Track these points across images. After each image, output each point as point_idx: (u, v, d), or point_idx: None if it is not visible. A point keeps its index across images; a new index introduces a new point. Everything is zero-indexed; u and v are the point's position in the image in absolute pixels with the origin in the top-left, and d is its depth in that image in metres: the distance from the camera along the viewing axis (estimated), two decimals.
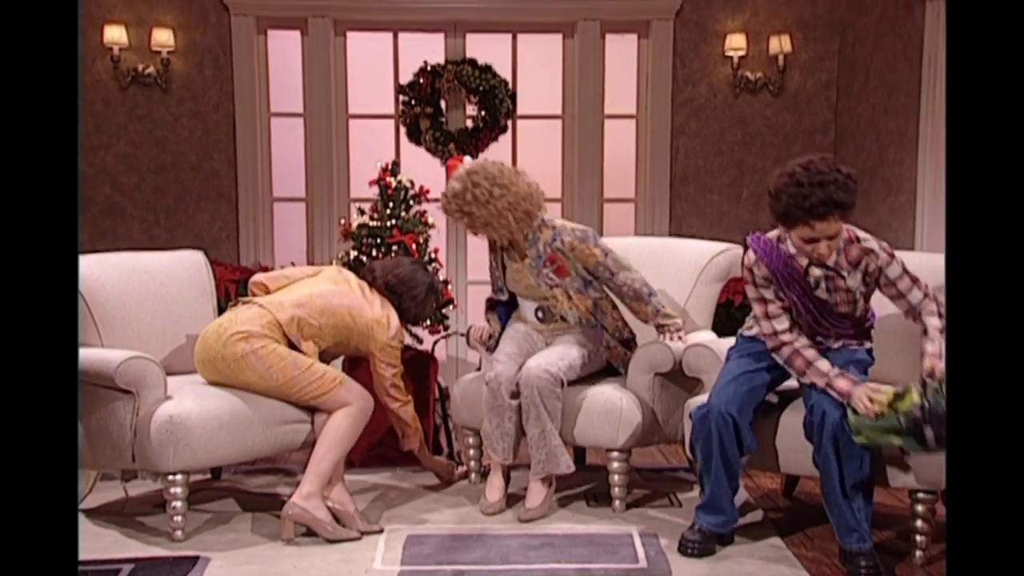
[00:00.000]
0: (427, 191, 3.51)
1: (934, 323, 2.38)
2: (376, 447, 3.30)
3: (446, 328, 3.50)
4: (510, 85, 4.88)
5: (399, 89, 4.87)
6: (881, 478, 2.38)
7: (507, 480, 2.86)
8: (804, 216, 2.24)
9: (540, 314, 2.87)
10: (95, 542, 2.55)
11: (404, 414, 2.87)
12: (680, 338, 2.82)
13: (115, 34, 4.57)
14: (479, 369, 3.10)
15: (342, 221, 3.58)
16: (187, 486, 2.54)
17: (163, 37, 4.61)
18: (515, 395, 2.75)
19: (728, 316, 3.88)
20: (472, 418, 2.99)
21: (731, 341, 2.68)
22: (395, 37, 4.93)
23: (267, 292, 2.84)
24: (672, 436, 2.89)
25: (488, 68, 4.83)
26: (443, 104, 4.87)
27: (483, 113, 4.83)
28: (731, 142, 4.90)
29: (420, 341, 3.48)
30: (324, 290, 2.75)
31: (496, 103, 4.80)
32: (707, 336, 2.95)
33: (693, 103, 4.86)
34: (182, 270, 3.07)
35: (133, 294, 2.87)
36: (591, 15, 4.84)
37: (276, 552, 2.49)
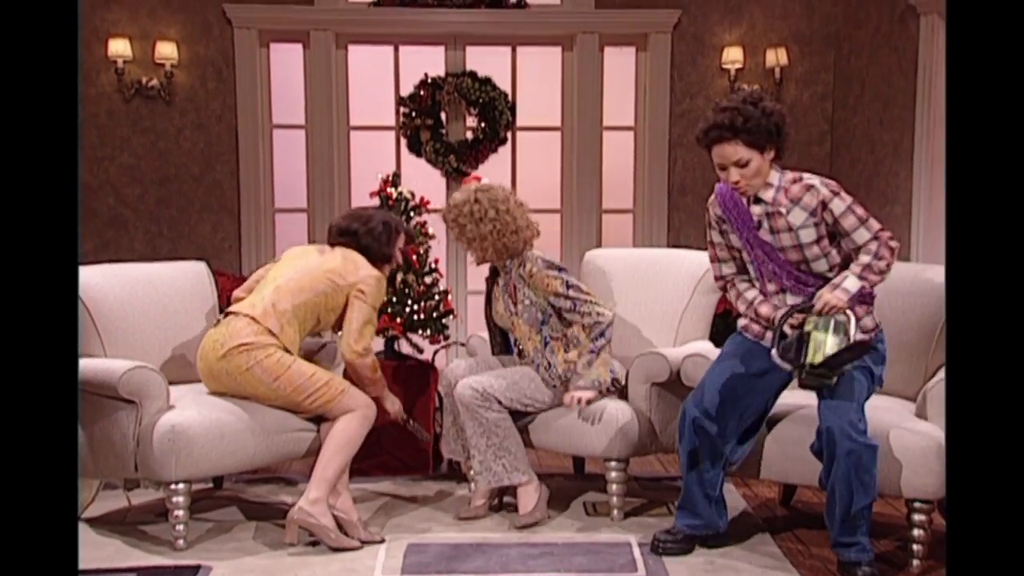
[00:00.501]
0: (427, 202, 3.54)
1: (860, 260, 2.29)
2: (377, 456, 3.33)
3: (446, 338, 3.52)
4: (510, 97, 4.92)
5: (400, 101, 4.92)
6: (878, 488, 2.40)
7: (502, 488, 2.88)
8: (703, 139, 2.34)
9: (519, 347, 2.92)
10: (98, 551, 2.57)
11: (362, 367, 2.74)
12: (579, 401, 2.73)
13: (119, 47, 4.62)
14: None
15: None
16: (189, 495, 2.56)
17: (167, 50, 4.66)
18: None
19: (726, 326, 3.89)
20: None
21: None
22: (396, 50, 4.98)
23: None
24: (669, 445, 2.91)
25: (488, 80, 4.88)
26: (443, 116, 4.92)
27: (483, 125, 4.88)
28: None
29: (420, 351, 3.51)
30: (289, 273, 2.74)
31: (496, 115, 4.85)
32: (704, 346, 2.98)
33: (691, 115, 4.90)
34: (184, 281, 3.10)
35: (136, 304, 2.90)
36: (590, 28, 4.90)
37: (278, 561, 2.51)
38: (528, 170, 5.02)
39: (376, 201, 3.51)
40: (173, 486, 2.53)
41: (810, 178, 2.36)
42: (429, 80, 4.87)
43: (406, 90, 4.91)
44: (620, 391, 2.89)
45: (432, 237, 3.49)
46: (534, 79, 5.05)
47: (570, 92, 4.99)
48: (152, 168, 4.80)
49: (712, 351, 2.84)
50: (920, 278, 2.72)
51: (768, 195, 2.35)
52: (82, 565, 2.39)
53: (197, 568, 2.45)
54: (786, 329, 2.32)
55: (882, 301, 2.72)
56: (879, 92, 4.55)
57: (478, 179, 3.04)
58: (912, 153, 4.27)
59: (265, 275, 2.84)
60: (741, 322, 2.54)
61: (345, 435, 2.62)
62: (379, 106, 5.00)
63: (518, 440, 2.80)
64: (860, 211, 2.34)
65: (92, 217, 4.78)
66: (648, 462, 3.46)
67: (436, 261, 3.50)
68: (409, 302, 3.39)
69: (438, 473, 3.39)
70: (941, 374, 2.49)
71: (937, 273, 2.71)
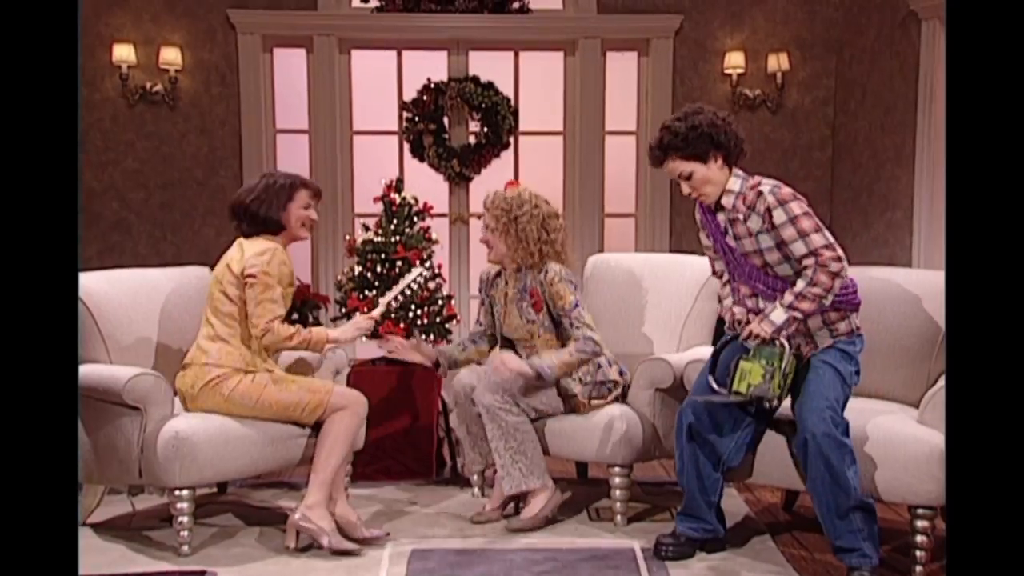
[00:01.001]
0: (431, 207, 3.55)
1: (795, 287, 2.30)
2: (381, 461, 3.33)
3: (449, 343, 3.53)
4: (512, 102, 4.94)
5: (403, 106, 4.94)
6: (880, 493, 2.41)
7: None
8: (650, 162, 2.48)
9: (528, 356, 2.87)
10: (102, 556, 2.58)
11: (277, 343, 2.63)
12: (504, 363, 2.72)
13: (124, 53, 4.64)
14: None
15: (347, 237, 3.63)
16: (193, 501, 2.57)
17: (171, 55, 4.68)
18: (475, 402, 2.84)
19: None
20: None
21: None
22: (399, 55, 5.00)
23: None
24: (673, 450, 2.91)
25: (491, 85, 4.90)
26: (446, 121, 4.94)
27: (486, 130, 4.89)
28: None
29: None
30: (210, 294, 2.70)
31: (498, 120, 4.87)
32: (707, 352, 2.98)
33: None
34: (188, 286, 3.11)
35: (140, 310, 2.91)
36: (592, 33, 4.92)
37: (282, 567, 2.52)
38: (530, 174, 5.03)
39: (380, 207, 3.53)
40: (177, 492, 2.53)
41: (763, 184, 2.39)
42: (432, 85, 4.89)
43: (409, 95, 4.93)
44: (623, 393, 2.90)
45: (436, 242, 3.50)
46: (536, 84, 5.07)
47: (572, 97, 5.00)
48: (156, 173, 4.82)
49: None
50: (922, 283, 2.73)
51: (728, 201, 2.42)
52: (87, 571, 2.41)
53: (202, 574, 2.46)
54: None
55: (884, 306, 2.73)
56: (881, 97, 4.56)
57: (515, 185, 3.03)
58: (913, 158, 4.28)
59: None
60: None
61: (335, 435, 2.62)
62: (382, 111, 5.02)
63: (536, 444, 2.81)
64: (805, 224, 2.30)
65: (96, 221, 4.80)
66: (651, 467, 3.46)
67: (440, 266, 3.51)
68: (412, 307, 3.40)
69: (441, 478, 3.39)
70: (943, 380, 2.50)
71: (939, 278, 2.72)
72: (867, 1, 4.66)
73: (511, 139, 4.97)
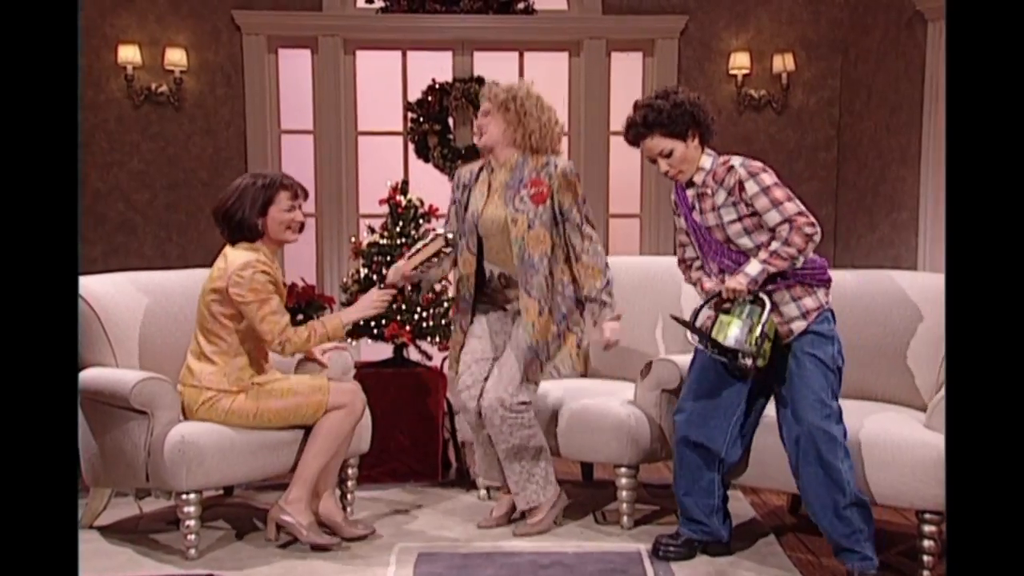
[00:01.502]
0: (436, 209, 3.55)
1: (770, 246, 2.35)
2: (387, 463, 3.34)
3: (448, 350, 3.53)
4: None
5: (408, 106, 4.94)
6: (887, 498, 2.41)
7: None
8: (627, 138, 2.49)
9: (502, 281, 2.74)
10: (109, 560, 2.59)
11: (295, 350, 2.59)
12: (609, 329, 2.68)
13: (129, 54, 4.65)
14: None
15: (352, 239, 3.63)
16: (200, 504, 2.58)
17: (176, 56, 4.68)
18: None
19: None
20: None
21: None
22: (404, 55, 5.00)
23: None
24: None
25: None
26: (451, 121, 4.93)
27: None
28: None
29: (430, 358, 3.52)
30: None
31: None
32: None
33: None
34: (195, 289, 3.09)
35: (147, 314, 2.91)
36: (597, 34, 4.91)
37: (289, 571, 2.52)
38: None
39: (384, 208, 3.53)
40: (184, 496, 2.54)
41: (733, 159, 2.46)
42: (437, 85, 4.88)
43: (414, 95, 4.93)
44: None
45: (448, 249, 3.48)
46: (541, 84, 5.02)
47: (577, 97, 4.99)
48: (161, 174, 4.83)
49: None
50: (928, 286, 2.72)
51: (699, 178, 2.47)
52: (94, 575, 2.42)
53: None
54: (705, 311, 2.46)
55: (891, 309, 2.73)
56: (886, 98, 4.54)
57: None
58: (919, 159, 4.27)
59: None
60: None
61: (324, 434, 2.62)
62: (387, 111, 5.01)
63: (548, 452, 2.80)
64: (777, 193, 2.37)
65: (102, 222, 4.81)
66: (657, 469, 3.46)
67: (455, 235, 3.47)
68: (418, 309, 3.40)
69: (447, 479, 3.40)
70: None
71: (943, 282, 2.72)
72: (873, 1, 4.65)
73: None
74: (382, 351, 3.52)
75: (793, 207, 2.36)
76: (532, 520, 2.78)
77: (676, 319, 2.50)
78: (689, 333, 2.43)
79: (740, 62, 4.86)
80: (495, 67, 4.95)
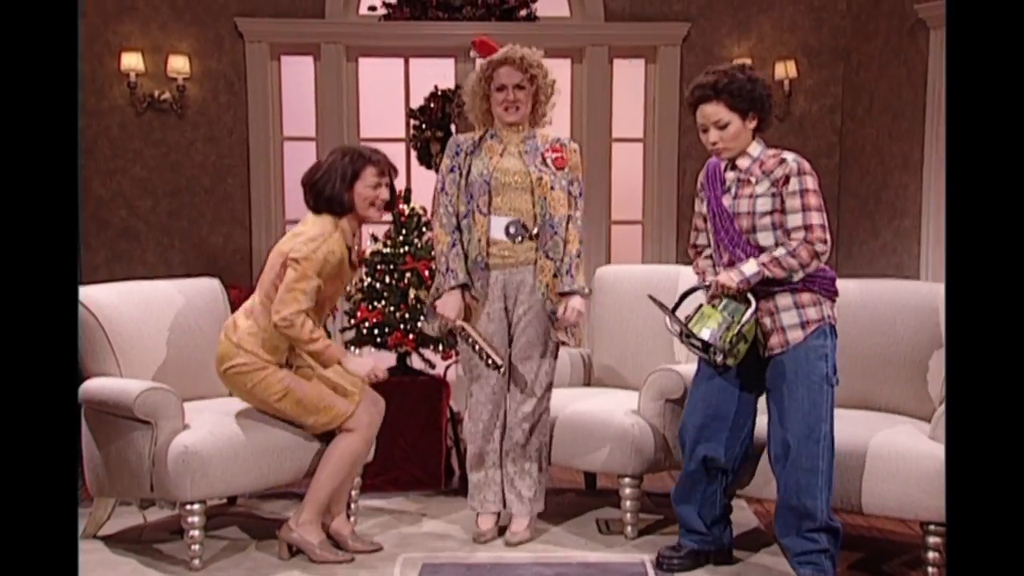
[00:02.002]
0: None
1: (774, 252, 2.33)
2: (390, 471, 3.34)
3: (458, 352, 3.53)
4: None
5: (410, 113, 4.94)
6: (891, 509, 2.41)
7: (503, 505, 2.86)
8: (689, 99, 2.44)
9: (512, 229, 2.67)
10: (113, 571, 2.59)
11: (290, 337, 2.53)
12: (579, 315, 2.68)
13: (132, 61, 4.65)
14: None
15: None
16: (204, 515, 2.58)
17: (179, 64, 4.69)
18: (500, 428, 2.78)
19: None
20: None
21: None
22: (406, 63, 5.00)
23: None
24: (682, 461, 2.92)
25: None
26: (453, 128, 4.93)
27: None
28: None
29: (433, 366, 3.52)
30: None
31: None
32: None
33: None
34: (199, 298, 3.12)
35: (151, 323, 2.92)
36: (599, 41, 4.91)
37: None
38: None
39: (388, 217, 3.53)
40: (188, 506, 2.54)
41: (787, 154, 2.43)
42: (439, 92, 4.89)
43: (416, 102, 4.92)
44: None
45: None
46: None
47: (579, 104, 5.00)
48: (164, 180, 4.83)
49: None
50: (933, 296, 2.72)
51: (744, 163, 2.41)
52: None
53: None
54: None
55: (895, 319, 2.73)
56: (888, 105, 4.55)
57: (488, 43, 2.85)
58: (921, 166, 4.27)
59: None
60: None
61: (339, 457, 2.61)
62: (389, 118, 5.02)
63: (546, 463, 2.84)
64: (812, 200, 2.33)
65: (104, 229, 4.81)
66: (661, 478, 3.46)
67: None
68: (421, 318, 3.40)
69: (450, 488, 3.40)
70: None
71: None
72: (874, 9, 4.65)
73: None
74: (385, 359, 3.51)
75: (818, 219, 2.32)
76: (518, 527, 2.77)
77: (654, 300, 2.46)
78: (667, 319, 2.42)
79: None
80: None
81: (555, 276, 2.68)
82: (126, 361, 2.81)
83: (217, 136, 4.83)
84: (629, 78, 5.00)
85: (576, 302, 2.70)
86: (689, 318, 2.39)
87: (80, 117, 4.54)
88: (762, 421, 2.50)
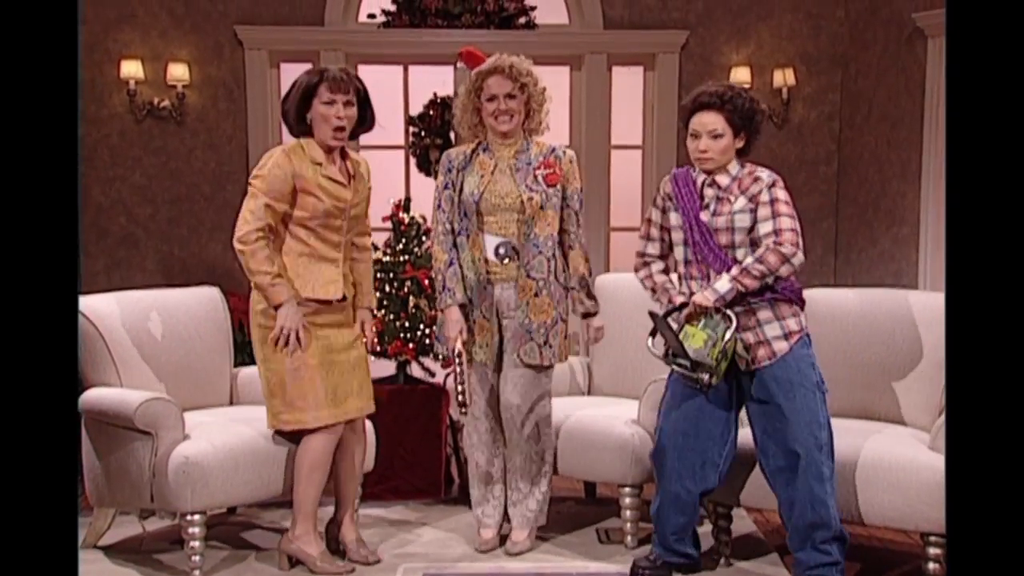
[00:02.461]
0: None
1: (743, 263, 2.35)
2: (390, 480, 3.34)
3: (459, 360, 3.53)
4: None
5: (409, 120, 4.94)
6: (891, 520, 2.41)
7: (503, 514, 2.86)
8: (690, 104, 2.47)
9: (502, 250, 2.66)
10: None
11: (240, 257, 2.44)
12: (598, 332, 2.77)
13: (131, 69, 4.66)
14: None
15: None
16: (204, 525, 2.57)
17: (178, 71, 4.70)
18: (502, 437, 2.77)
19: None
20: None
21: None
22: (405, 70, 5.01)
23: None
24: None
25: None
26: (452, 135, 4.94)
27: None
28: None
29: (432, 375, 3.52)
30: None
31: None
32: None
33: None
34: (199, 307, 3.12)
35: (151, 333, 2.92)
36: (598, 49, 4.93)
37: None
38: None
39: (387, 224, 3.53)
40: (188, 517, 2.54)
41: (761, 171, 2.47)
42: (438, 99, 4.89)
43: (415, 109, 4.93)
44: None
45: None
46: None
47: (578, 111, 5.01)
48: (163, 188, 4.83)
49: None
50: (932, 306, 2.73)
51: (723, 181, 2.45)
52: None
53: None
54: (670, 321, 2.44)
55: (894, 329, 2.73)
56: (886, 112, 4.56)
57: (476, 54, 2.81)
58: (920, 174, 4.28)
59: None
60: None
61: (299, 463, 2.55)
62: (388, 125, 5.00)
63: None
64: (782, 208, 2.38)
65: (104, 236, 4.81)
66: None
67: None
68: (421, 326, 3.40)
69: (450, 496, 3.40)
70: None
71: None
72: (872, 17, 4.67)
73: None
74: (385, 368, 3.52)
75: (789, 224, 2.36)
76: (520, 537, 2.76)
77: (653, 317, 2.43)
78: (651, 339, 2.44)
79: (741, 76, 4.87)
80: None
81: (536, 295, 2.67)
82: (126, 371, 2.81)
83: (217, 143, 4.83)
84: (628, 85, 5.02)
85: (597, 321, 2.78)
86: (671, 338, 2.40)
87: (80, 125, 4.53)
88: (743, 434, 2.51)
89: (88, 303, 2.80)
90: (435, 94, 4.90)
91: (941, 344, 2.66)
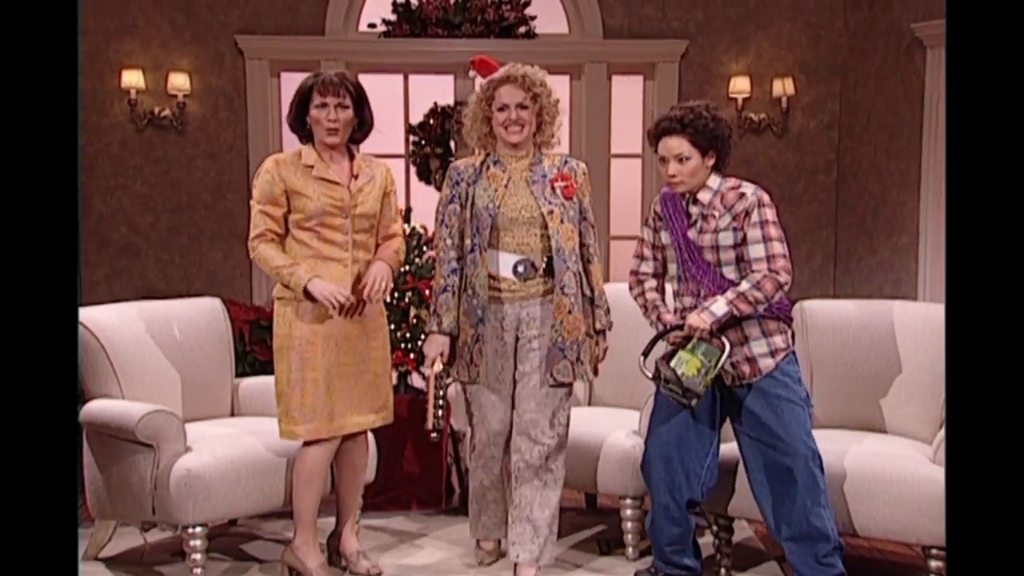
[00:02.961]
0: None
1: (740, 286, 2.35)
2: (391, 490, 3.33)
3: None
4: None
5: (409, 129, 4.96)
6: (893, 533, 2.41)
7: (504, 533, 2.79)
8: (653, 131, 2.49)
9: (520, 268, 2.54)
10: None
11: (276, 275, 2.50)
12: (605, 352, 2.66)
13: (133, 78, 4.67)
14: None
15: None
16: (206, 537, 2.57)
17: (179, 81, 4.71)
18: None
19: None
20: None
21: None
22: (405, 79, 5.03)
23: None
24: None
25: None
26: (453, 144, 4.96)
27: None
28: None
29: None
30: None
31: None
32: None
33: None
34: (200, 318, 3.12)
35: (152, 344, 2.92)
36: (598, 58, 4.94)
37: None
38: None
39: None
40: (190, 529, 2.54)
41: (745, 186, 2.47)
42: (439, 109, 4.91)
43: (416, 119, 4.95)
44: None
45: None
46: None
47: (578, 120, 5.02)
48: (164, 197, 4.84)
49: None
50: (932, 317, 2.74)
51: (705, 197, 2.46)
52: None
53: None
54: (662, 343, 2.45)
55: (895, 340, 2.74)
56: (886, 122, 4.58)
57: (488, 62, 2.75)
58: (919, 183, 4.30)
59: None
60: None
61: (296, 473, 2.55)
62: (389, 134, 5.02)
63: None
64: (772, 231, 2.39)
65: (105, 246, 4.81)
66: None
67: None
68: (422, 337, 3.40)
69: (450, 506, 3.40)
70: None
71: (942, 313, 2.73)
72: (871, 27, 4.69)
73: None
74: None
75: (780, 249, 2.38)
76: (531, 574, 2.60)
77: (660, 337, 2.42)
78: (642, 359, 2.45)
79: (740, 86, 4.89)
80: None
81: (569, 312, 2.54)
82: (128, 382, 2.81)
83: (217, 153, 4.84)
84: (627, 94, 5.03)
85: (605, 341, 2.68)
86: (668, 359, 2.41)
87: (81, 134, 4.55)
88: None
89: (89, 314, 2.80)
90: (435, 103, 4.92)
91: (941, 356, 2.66)
